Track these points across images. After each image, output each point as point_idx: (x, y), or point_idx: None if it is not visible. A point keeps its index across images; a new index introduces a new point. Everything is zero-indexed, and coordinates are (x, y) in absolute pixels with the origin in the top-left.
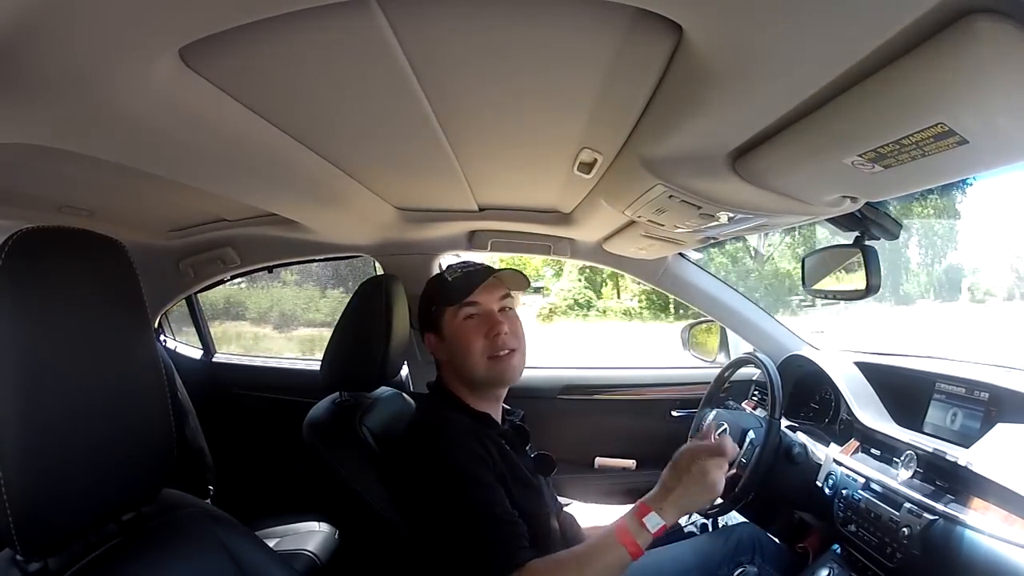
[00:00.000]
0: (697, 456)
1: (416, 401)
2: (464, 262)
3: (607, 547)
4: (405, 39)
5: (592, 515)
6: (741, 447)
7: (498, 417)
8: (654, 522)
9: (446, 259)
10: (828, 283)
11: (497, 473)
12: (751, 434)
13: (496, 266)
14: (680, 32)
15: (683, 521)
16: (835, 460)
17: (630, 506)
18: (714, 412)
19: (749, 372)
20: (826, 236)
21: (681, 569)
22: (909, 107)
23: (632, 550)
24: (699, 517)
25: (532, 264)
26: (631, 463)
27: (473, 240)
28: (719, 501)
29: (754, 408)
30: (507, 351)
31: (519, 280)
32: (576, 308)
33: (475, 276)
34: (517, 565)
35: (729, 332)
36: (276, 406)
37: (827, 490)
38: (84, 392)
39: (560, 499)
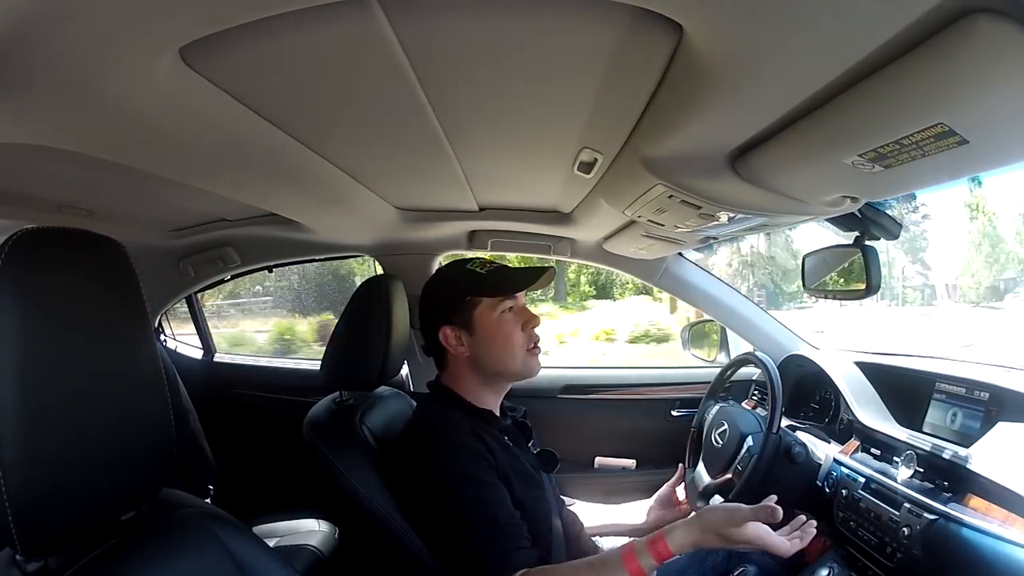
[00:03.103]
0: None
1: (416, 401)
2: (478, 258)
3: (611, 569)
4: (405, 39)
5: (592, 514)
6: (738, 453)
7: (498, 413)
8: (669, 561)
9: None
10: (828, 283)
11: (499, 470)
12: (749, 440)
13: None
14: (680, 32)
15: None
16: (835, 460)
17: (629, 504)
18: (717, 407)
19: (750, 372)
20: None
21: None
22: (909, 107)
23: (636, 575)
24: None
25: None
26: (631, 463)
27: (473, 240)
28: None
29: (754, 407)
30: (535, 342)
31: (551, 278)
32: None
33: (520, 272)
34: (514, 568)
35: (729, 332)
36: (276, 406)
37: (827, 490)
38: (84, 392)
39: (563, 498)
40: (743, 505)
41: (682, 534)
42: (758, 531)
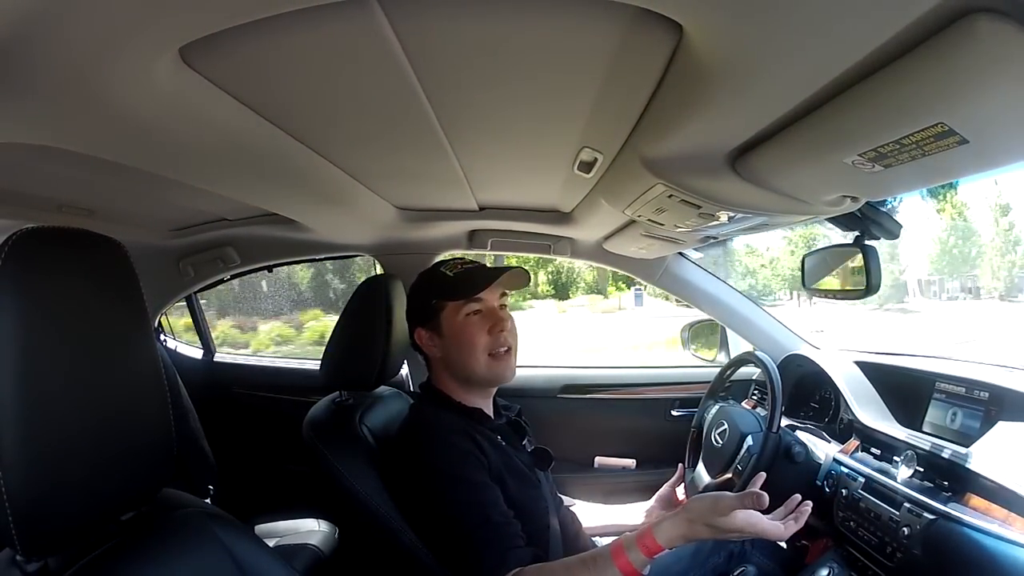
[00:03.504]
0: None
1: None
2: (456, 258)
3: (603, 569)
4: (405, 38)
5: (592, 514)
6: (738, 453)
7: (490, 412)
8: (660, 555)
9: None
10: (828, 283)
11: (492, 470)
12: (749, 440)
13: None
14: (680, 31)
15: None
16: (835, 459)
17: (628, 506)
18: (717, 406)
19: (749, 371)
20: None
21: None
22: (909, 107)
23: (627, 571)
24: None
25: None
26: (630, 462)
27: (473, 239)
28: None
29: (754, 407)
30: (506, 348)
31: (522, 279)
32: None
33: (485, 273)
34: (507, 568)
35: (729, 331)
36: (276, 406)
37: (827, 489)
38: (84, 392)
39: (562, 497)
40: (728, 493)
41: (670, 527)
42: (748, 518)
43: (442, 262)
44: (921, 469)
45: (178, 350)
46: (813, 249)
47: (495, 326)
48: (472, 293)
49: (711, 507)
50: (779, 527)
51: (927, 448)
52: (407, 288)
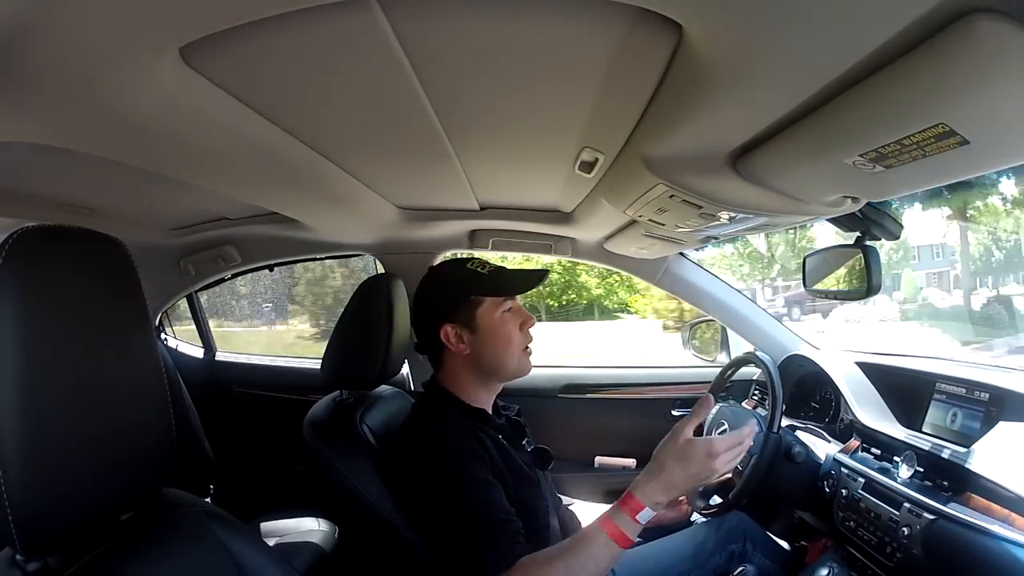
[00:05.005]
0: (677, 441)
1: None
2: (475, 258)
3: (594, 539)
4: (405, 39)
5: (592, 514)
6: None
7: (491, 412)
8: (644, 515)
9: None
10: (829, 283)
11: (494, 469)
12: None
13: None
14: (680, 31)
15: (695, 518)
16: (835, 459)
17: None
18: (717, 406)
19: (750, 371)
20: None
21: (677, 558)
22: (910, 107)
23: (620, 540)
24: (698, 517)
25: None
26: (631, 462)
27: (474, 239)
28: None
29: (754, 407)
30: (529, 343)
31: (544, 278)
32: None
33: (519, 273)
34: (509, 564)
35: (729, 332)
36: (277, 405)
37: (827, 489)
38: (84, 391)
39: (561, 497)
40: (680, 425)
41: (645, 480)
42: (710, 443)
43: (463, 260)
44: (921, 469)
45: (179, 349)
46: (814, 250)
47: (525, 323)
48: (517, 292)
49: (671, 443)
50: (751, 427)
51: (927, 448)
52: (408, 288)
